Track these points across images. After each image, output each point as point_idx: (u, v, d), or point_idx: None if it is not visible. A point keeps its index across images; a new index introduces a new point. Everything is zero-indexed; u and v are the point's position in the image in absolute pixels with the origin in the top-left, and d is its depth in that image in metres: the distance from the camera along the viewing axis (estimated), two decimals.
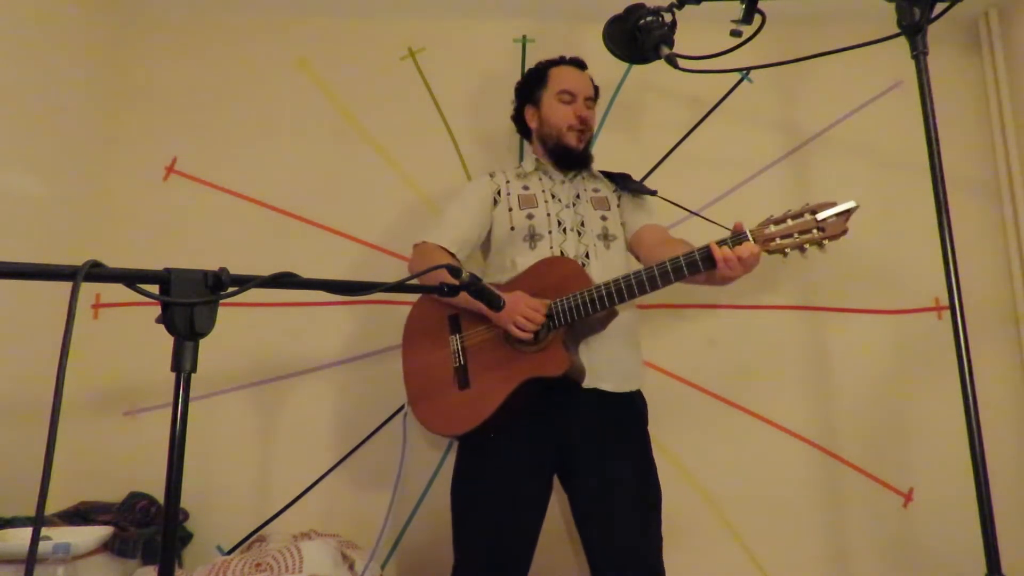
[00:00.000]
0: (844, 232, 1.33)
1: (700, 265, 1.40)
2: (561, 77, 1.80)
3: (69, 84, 2.13)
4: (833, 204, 1.34)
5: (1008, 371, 2.21)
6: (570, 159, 1.78)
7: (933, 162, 1.21)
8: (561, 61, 1.85)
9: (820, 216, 1.34)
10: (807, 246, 1.35)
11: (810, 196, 2.29)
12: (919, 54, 1.24)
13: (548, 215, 1.71)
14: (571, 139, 1.76)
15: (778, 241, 1.36)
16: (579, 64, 1.85)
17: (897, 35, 1.30)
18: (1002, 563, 1.09)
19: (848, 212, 1.33)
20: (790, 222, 1.36)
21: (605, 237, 1.72)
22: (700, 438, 2.15)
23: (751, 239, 1.38)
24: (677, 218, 2.12)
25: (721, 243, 1.39)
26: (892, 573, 2.09)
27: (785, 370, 2.21)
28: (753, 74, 2.36)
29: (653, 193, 1.81)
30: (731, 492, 2.12)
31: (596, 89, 1.86)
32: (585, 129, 1.77)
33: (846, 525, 2.12)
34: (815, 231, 1.34)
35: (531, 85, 1.84)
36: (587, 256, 1.68)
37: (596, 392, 1.59)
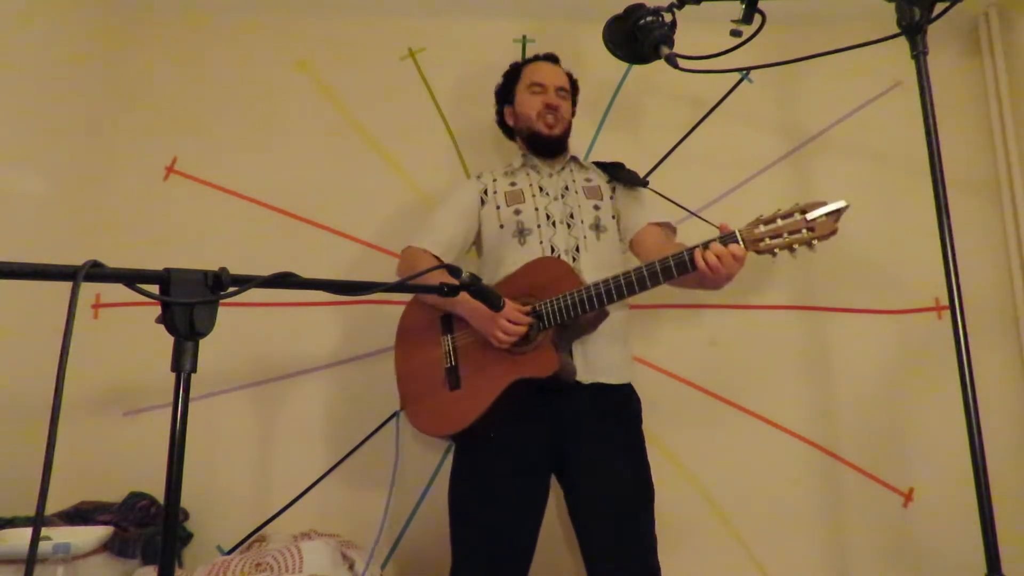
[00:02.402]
0: (834, 232, 1.31)
1: (688, 266, 1.39)
2: (532, 71, 1.85)
3: (69, 84, 2.13)
4: (823, 203, 1.31)
5: (1008, 371, 2.21)
6: (543, 146, 1.80)
7: (933, 162, 1.21)
8: (534, 59, 1.89)
9: (810, 216, 1.32)
10: (796, 246, 1.33)
11: (810, 196, 2.29)
12: (919, 54, 1.24)
13: (536, 209, 1.72)
14: (540, 126, 1.77)
15: (767, 241, 1.35)
16: (551, 58, 1.88)
17: (897, 35, 1.30)
18: (1002, 563, 1.09)
19: (838, 212, 1.31)
20: (780, 222, 1.35)
21: (597, 227, 1.72)
22: (700, 438, 2.15)
23: (740, 239, 1.37)
24: (675, 217, 2.12)
25: (707, 244, 1.38)
26: (892, 573, 2.09)
27: (785, 370, 2.21)
28: (753, 74, 2.36)
29: (644, 184, 1.80)
30: (731, 492, 2.12)
31: (574, 83, 1.90)
32: (555, 117, 1.78)
33: (846, 525, 2.12)
34: (804, 231, 1.32)
35: (506, 85, 1.90)
36: (577, 249, 1.67)
37: (591, 387, 1.59)
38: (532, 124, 1.78)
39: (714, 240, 1.38)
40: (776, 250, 1.34)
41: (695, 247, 1.39)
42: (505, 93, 1.90)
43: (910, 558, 2.10)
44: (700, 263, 1.36)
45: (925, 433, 2.14)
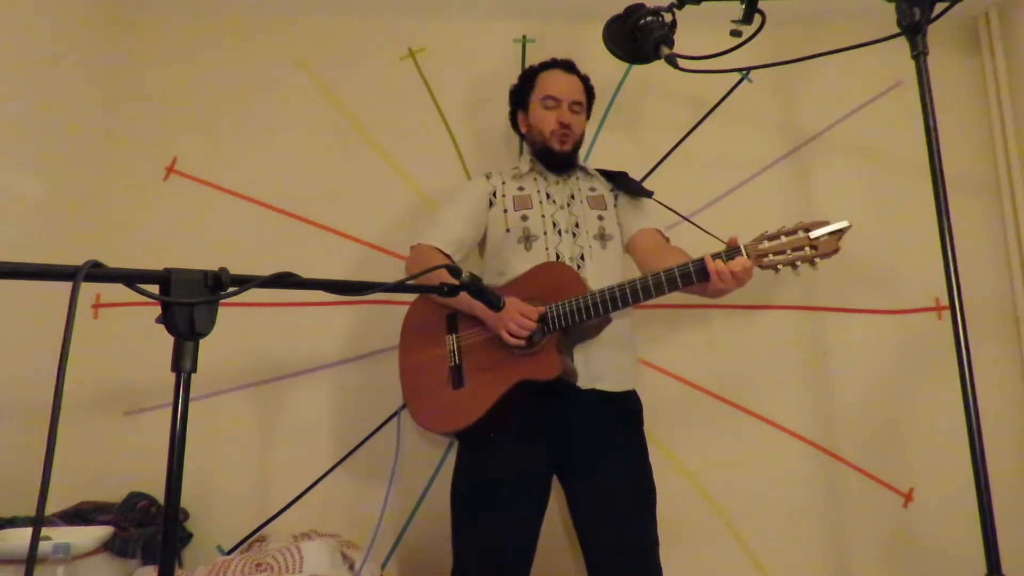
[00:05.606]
0: (836, 251, 1.35)
1: (694, 277, 1.42)
2: (547, 82, 1.80)
3: (69, 84, 2.13)
4: (826, 223, 1.35)
5: (1008, 371, 2.21)
6: (555, 162, 1.79)
7: (933, 162, 1.21)
8: (551, 64, 1.84)
9: (813, 234, 1.36)
10: (799, 263, 1.37)
11: (810, 196, 2.33)
12: (919, 54, 1.24)
13: (543, 216, 1.72)
14: (554, 143, 1.76)
15: (771, 257, 1.38)
16: (568, 67, 1.83)
17: (897, 35, 1.30)
18: (1002, 563, 1.09)
19: (841, 231, 1.35)
20: (784, 239, 1.38)
21: (601, 237, 1.73)
22: (700, 438, 2.15)
23: (745, 254, 1.39)
24: (674, 220, 2.12)
25: (715, 256, 1.40)
26: (892, 573, 2.09)
27: (785, 370, 2.21)
28: (753, 74, 2.36)
29: (649, 195, 1.81)
30: (731, 492, 2.12)
31: (589, 90, 1.86)
32: (568, 133, 1.76)
33: (846, 525, 2.12)
34: (808, 248, 1.36)
35: (521, 90, 1.86)
36: (582, 258, 1.68)
37: (592, 392, 1.59)
38: (546, 140, 1.77)
39: (721, 253, 1.40)
40: (779, 266, 1.38)
41: (703, 258, 1.41)
42: (519, 98, 1.86)
43: (910, 558, 2.10)
44: (712, 271, 1.38)
45: (925, 433, 2.14)
